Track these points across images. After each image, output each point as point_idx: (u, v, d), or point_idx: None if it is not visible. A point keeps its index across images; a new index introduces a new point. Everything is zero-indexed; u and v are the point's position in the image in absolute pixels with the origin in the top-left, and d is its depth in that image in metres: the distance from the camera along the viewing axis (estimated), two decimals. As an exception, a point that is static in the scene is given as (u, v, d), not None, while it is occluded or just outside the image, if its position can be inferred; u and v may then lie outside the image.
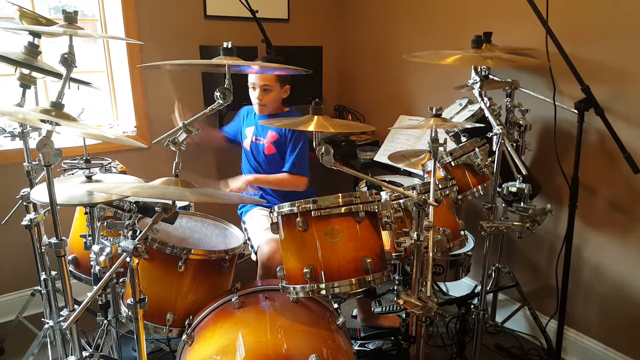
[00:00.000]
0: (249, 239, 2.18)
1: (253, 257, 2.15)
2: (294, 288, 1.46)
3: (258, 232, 2.11)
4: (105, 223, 1.42)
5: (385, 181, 1.49)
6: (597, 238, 2.14)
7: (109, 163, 2.15)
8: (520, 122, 2.08)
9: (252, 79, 2.31)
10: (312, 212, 1.41)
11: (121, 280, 1.78)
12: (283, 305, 1.53)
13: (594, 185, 2.11)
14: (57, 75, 1.62)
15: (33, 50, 1.58)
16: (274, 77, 2.28)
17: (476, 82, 1.74)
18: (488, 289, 2.30)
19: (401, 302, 1.41)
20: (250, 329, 1.43)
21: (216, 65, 1.42)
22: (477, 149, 1.94)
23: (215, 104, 1.41)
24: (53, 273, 2.00)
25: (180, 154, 1.46)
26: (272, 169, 2.41)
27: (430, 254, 1.41)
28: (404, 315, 2.47)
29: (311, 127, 1.32)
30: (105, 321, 1.86)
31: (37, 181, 1.86)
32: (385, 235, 1.66)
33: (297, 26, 3.25)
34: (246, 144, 2.46)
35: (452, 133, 2.21)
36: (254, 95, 2.33)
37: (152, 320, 1.62)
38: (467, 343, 2.12)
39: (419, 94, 2.91)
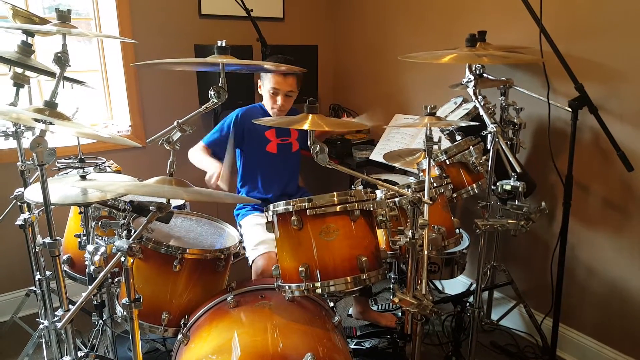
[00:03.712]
0: (244, 247, 2.17)
1: (248, 262, 2.14)
2: (289, 287, 1.46)
3: (253, 244, 2.08)
4: (100, 223, 1.41)
5: (380, 180, 1.49)
6: (591, 235, 2.15)
7: (103, 162, 2.14)
8: (515, 120, 2.09)
9: (275, 84, 2.18)
10: (308, 210, 1.41)
11: (116, 280, 1.77)
12: (278, 304, 1.53)
13: (588, 183, 2.12)
14: (51, 74, 1.61)
15: (26, 49, 1.57)
16: (296, 81, 2.22)
17: (471, 81, 1.75)
18: (483, 287, 2.31)
19: (397, 300, 1.41)
20: (246, 328, 1.43)
21: (211, 64, 1.42)
22: (471, 148, 1.95)
23: (210, 102, 1.41)
24: (47, 273, 1.98)
25: (175, 153, 1.45)
26: (298, 166, 2.43)
27: (426, 252, 1.41)
28: (399, 314, 2.48)
29: (306, 126, 1.33)
30: (101, 321, 1.86)
31: (31, 181, 1.86)
32: (381, 234, 1.66)
33: (292, 25, 3.25)
34: (271, 148, 2.35)
35: (447, 131, 2.22)
36: (275, 101, 2.23)
37: (148, 320, 1.62)
38: (462, 341, 2.13)
39: (414, 92, 2.92)
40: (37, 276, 1.98)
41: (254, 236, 2.11)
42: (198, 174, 2.11)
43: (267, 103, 2.29)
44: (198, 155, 2.24)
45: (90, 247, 1.55)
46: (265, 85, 2.24)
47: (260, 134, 2.33)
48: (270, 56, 2.46)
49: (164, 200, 1.28)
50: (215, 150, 2.28)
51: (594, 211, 2.12)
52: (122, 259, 1.21)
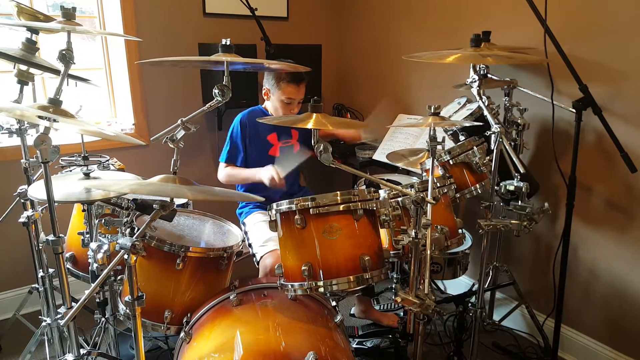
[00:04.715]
0: (250, 244, 2.17)
1: (255, 259, 2.14)
2: (292, 286, 1.46)
3: (260, 241, 2.09)
4: (103, 220, 1.42)
5: (383, 179, 1.49)
6: (594, 236, 2.15)
7: (107, 160, 2.15)
8: (519, 120, 2.08)
9: (290, 95, 2.22)
10: (311, 209, 1.41)
11: (119, 277, 1.78)
12: (281, 303, 1.54)
13: (592, 184, 2.11)
14: (55, 71, 1.62)
15: (31, 46, 1.57)
16: (305, 88, 2.27)
17: (475, 81, 1.74)
18: (485, 287, 2.31)
19: (399, 299, 1.41)
20: (249, 327, 1.43)
21: (215, 63, 1.42)
22: (475, 148, 1.95)
23: (214, 101, 1.41)
24: (51, 270, 1.99)
25: (179, 151, 1.45)
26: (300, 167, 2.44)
27: (428, 252, 1.41)
28: (401, 314, 2.48)
29: (310, 125, 1.33)
30: (103, 319, 1.86)
31: (34, 178, 1.86)
32: (384, 233, 1.66)
33: (296, 24, 3.25)
34: (274, 151, 2.37)
35: (451, 132, 2.22)
36: (290, 109, 2.26)
37: (150, 318, 1.62)
38: (464, 341, 2.13)
39: (418, 92, 2.92)
40: (40, 273, 1.99)
41: (261, 233, 2.12)
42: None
43: (277, 110, 2.30)
44: (236, 174, 2.29)
45: (93, 245, 1.55)
46: (278, 95, 2.25)
47: (262, 138, 2.34)
48: (277, 59, 2.46)
49: (168, 199, 1.28)
50: (237, 161, 2.33)
51: (597, 212, 2.12)
52: (125, 256, 1.21)
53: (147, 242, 1.57)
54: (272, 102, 2.30)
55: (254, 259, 2.10)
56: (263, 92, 2.32)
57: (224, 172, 2.32)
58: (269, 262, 1.97)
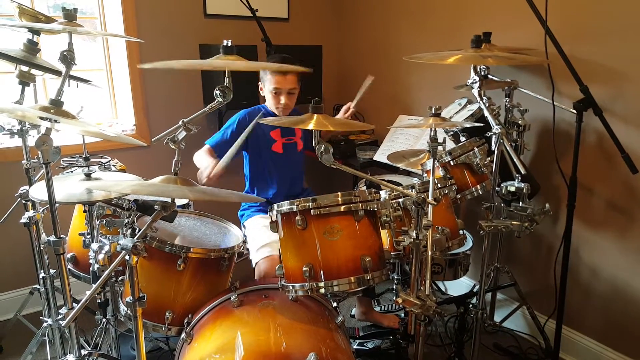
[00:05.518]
0: (247, 248, 2.17)
1: (252, 265, 2.14)
2: (293, 286, 1.46)
3: (257, 246, 2.08)
4: (104, 221, 1.42)
5: (384, 180, 1.49)
6: (595, 237, 2.15)
7: (108, 161, 2.15)
8: (519, 121, 2.08)
9: (276, 84, 2.19)
10: (312, 210, 1.41)
11: (120, 278, 1.78)
12: (282, 304, 1.54)
13: (592, 185, 2.11)
14: (57, 72, 1.62)
15: (32, 47, 1.57)
16: (296, 78, 2.22)
17: (475, 82, 1.75)
18: (486, 288, 2.30)
19: (400, 300, 1.41)
20: (249, 328, 1.43)
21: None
22: (476, 149, 1.95)
23: (215, 102, 1.41)
24: (52, 271, 1.99)
25: (180, 152, 1.46)
26: (303, 165, 2.44)
27: (429, 253, 1.41)
28: (402, 315, 2.48)
29: (310, 126, 1.33)
30: (104, 319, 1.86)
31: (35, 179, 1.86)
32: (385, 234, 1.66)
33: (297, 25, 3.25)
34: (277, 147, 2.35)
35: (451, 132, 2.22)
36: (278, 100, 2.22)
37: (151, 319, 1.62)
38: (465, 342, 2.12)
39: (418, 93, 2.92)
40: (42, 274, 1.99)
41: (258, 238, 2.11)
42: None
43: (270, 103, 2.29)
44: (201, 157, 2.22)
45: (94, 246, 1.56)
46: (267, 86, 2.25)
47: (266, 134, 2.33)
48: (269, 56, 2.45)
49: (169, 200, 1.28)
50: (220, 152, 2.24)
51: (598, 213, 2.12)
52: (127, 257, 1.21)
53: (148, 243, 1.57)
54: (265, 95, 2.30)
55: (251, 263, 2.10)
56: (260, 87, 2.33)
57: (200, 152, 2.24)
58: (264, 268, 1.97)
